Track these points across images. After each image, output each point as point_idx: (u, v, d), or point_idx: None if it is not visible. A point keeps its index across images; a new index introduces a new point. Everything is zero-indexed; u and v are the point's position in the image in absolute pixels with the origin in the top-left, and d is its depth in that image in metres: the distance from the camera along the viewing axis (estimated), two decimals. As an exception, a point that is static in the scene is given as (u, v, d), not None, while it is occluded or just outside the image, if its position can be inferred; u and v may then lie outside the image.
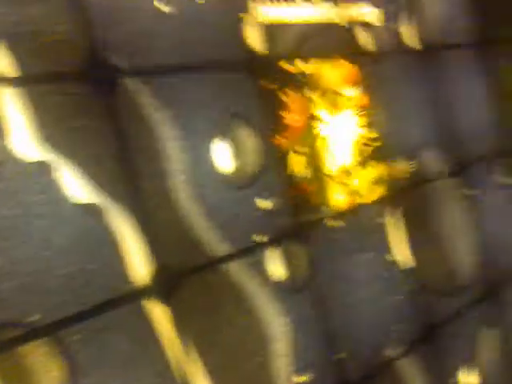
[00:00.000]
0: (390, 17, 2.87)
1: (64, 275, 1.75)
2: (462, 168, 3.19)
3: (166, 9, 1.99)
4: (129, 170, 1.91)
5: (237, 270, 2.20)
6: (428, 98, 3.03)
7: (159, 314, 1.95)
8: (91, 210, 1.82)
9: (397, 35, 2.93)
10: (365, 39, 2.73)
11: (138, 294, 1.92)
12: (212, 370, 2.05)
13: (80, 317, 1.78)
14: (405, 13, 2.97)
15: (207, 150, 2.12)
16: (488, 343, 3.27)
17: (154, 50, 1.97)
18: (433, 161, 3.04)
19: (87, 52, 1.84)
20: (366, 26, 2.71)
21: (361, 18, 2.69)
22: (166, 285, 1.98)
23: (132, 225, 1.92)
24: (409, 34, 2.97)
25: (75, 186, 1.79)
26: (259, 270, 2.25)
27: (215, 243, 2.14)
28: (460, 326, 3.10)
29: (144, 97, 1.95)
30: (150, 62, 1.97)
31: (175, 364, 1.96)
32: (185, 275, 2.04)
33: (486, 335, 3.27)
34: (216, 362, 2.08)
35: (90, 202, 1.82)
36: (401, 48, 2.94)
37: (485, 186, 3.35)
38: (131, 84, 1.92)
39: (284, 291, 2.32)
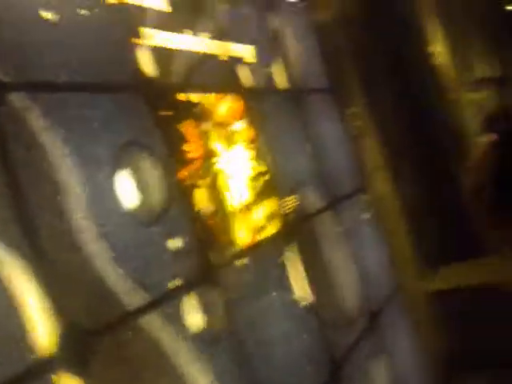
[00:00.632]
0: (263, 57, 2.93)
1: None
2: (333, 204, 3.30)
3: (52, 18, 1.69)
4: (20, 208, 1.50)
5: (153, 323, 1.84)
6: (300, 136, 3.12)
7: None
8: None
9: (269, 75, 3.00)
10: (244, 75, 2.73)
11: (42, 368, 1.46)
12: None
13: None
14: (274, 55, 3.08)
15: (108, 182, 1.80)
16: (379, 372, 3.30)
17: (42, 64, 1.64)
18: (311, 196, 3.09)
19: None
20: (244, 62, 2.72)
21: (239, 55, 2.69)
22: (77, 351, 1.55)
23: (29, 277, 1.49)
24: (278, 75, 3.07)
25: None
26: (176, 320, 1.92)
27: (127, 292, 1.77)
28: (356, 361, 3.07)
29: (33, 116, 1.58)
30: (38, 76, 1.64)
31: None
32: (97, 335, 1.63)
33: (377, 365, 3.30)
34: None
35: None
36: (272, 87, 3.01)
37: (353, 222, 3.50)
38: (18, 101, 1.55)
39: (204, 343, 2.01)
